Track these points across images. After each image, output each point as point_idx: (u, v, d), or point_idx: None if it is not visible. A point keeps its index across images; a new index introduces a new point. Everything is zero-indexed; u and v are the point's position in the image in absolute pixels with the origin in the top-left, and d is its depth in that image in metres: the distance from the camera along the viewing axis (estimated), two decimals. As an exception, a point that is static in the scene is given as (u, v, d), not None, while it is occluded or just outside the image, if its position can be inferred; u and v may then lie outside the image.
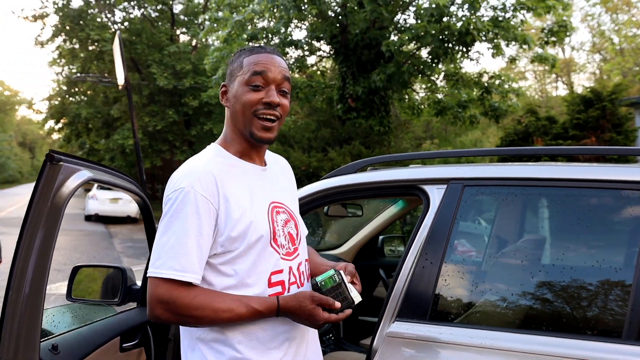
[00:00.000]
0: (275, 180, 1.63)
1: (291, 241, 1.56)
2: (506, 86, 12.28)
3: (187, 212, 1.35)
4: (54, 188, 1.22)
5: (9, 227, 15.89)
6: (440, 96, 14.04)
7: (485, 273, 1.95)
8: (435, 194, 2.04)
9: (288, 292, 1.49)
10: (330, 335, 3.11)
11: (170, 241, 1.34)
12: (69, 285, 2.14)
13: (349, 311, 1.48)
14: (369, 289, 3.80)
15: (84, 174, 1.31)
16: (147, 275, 1.36)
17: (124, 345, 1.91)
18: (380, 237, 3.97)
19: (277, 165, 1.72)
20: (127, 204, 17.84)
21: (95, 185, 19.94)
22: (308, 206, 2.34)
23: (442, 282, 1.89)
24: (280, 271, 1.48)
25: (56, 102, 25.31)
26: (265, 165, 1.61)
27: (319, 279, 1.48)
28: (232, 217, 1.40)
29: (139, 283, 2.20)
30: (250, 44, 11.89)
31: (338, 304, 1.44)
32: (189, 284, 1.34)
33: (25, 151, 74.36)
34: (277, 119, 1.49)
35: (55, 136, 32.74)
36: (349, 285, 1.50)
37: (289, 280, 1.51)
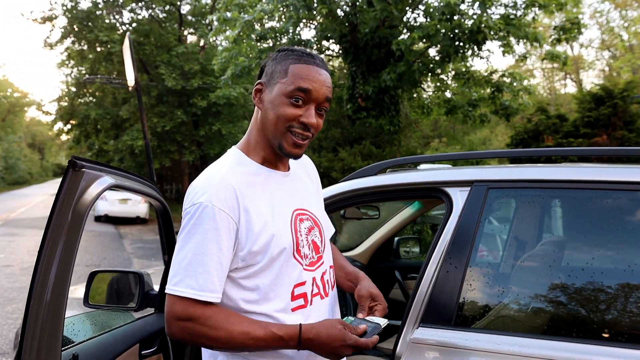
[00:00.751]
0: (299, 185, 1.57)
1: (315, 250, 1.50)
2: (516, 84, 12.16)
3: (206, 227, 1.30)
4: (77, 195, 1.19)
5: (19, 228, 15.99)
6: (449, 95, 13.97)
7: (511, 277, 1.90)
8: (459, 197, 2.00)
9: (310, 304, 1.44)
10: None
11: (188, 258, 1.29)
12: (86, 291, 2.11)
13: (375, 338, 1.44)
14: (385, 290, 3.77)
15: (106, 180, 1.27)
16: (166, 291, 1.31)
17: (142, 352, 1.88)
18: (396, 239, 3.93)
19: (300, 167, 1.65)
20: (136, 205, 17.96)
21: (105, 186, 20.06)
22: (328, 209, 2.30)
23: (467, 287, 1.85)
24: (303, 283, 1.43)
25: (65, 104, 25.41)
26: (289, 169, 1.55)
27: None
28: (253, 230, 1.34)
29: (156, 288, 2.18)
30: (259, 44, 11.85)
31: (371, 342, 1.40)
32: (206, 303, 1.30)
33: (35, 152, 74.81)
34: (309, 138, 1.43)
35: (64, 137, 32.83)
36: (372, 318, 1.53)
37: (311, 292, 1.46)
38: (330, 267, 1.58)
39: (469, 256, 1.86)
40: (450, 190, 2.03)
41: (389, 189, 2.18)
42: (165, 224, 1.93)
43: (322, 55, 13.98)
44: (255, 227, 1.34)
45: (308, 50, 1.47)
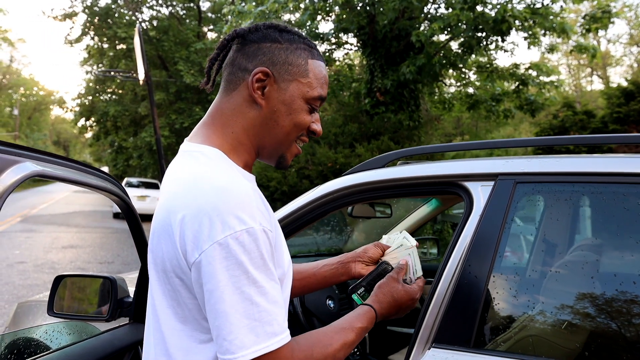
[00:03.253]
0: None
1: None
2: (543, 78, 11.68)
3: (265, 257, 0.98)
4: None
5: (38, 224, 16.05)
6: (471, 90, 13.54)
7: (544, 289, 1.58)
8: (480, 192, 1.69)
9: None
10: (355, 350, 2.77)
11: (261, 304, 0.96)
12: (51, 298, 1.86)
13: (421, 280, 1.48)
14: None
15: (25, 167, 0.99)
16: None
17: (107, 373, 1.61)
18: (411, 240, 3.60)
19: None
20: (154, 202, 18.17)
21: (124, 182, 20.21)
22: (328, 206, 2.01)
23: (490, 300, 1.54)
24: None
25: (86, 101, 25.57)
26: None
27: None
28: (280, 245, 1.12)
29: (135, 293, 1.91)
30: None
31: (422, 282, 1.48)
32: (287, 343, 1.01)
33: (60, 150, 75.98)
34: None
35: (88, 135, 33.15)
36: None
37: None
38: None
39: (493, 263, 1.55)
40: (470, 185, 1.73)
41: (399, 184, 1.88)
42: (131, 221, 1.66)
43: (340, 50, 13.71)
44: (280, 241, 1.12)
45: (308, 38, 1.20)
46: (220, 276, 0.94)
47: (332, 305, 2.51)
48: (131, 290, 1.92)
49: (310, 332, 1.11)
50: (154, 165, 22.04)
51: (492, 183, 1.67)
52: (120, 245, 12.60)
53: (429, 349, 1.52)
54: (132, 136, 24.43)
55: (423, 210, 3.36)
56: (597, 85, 34.18)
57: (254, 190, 1.04)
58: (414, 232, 3.48)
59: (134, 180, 20.80)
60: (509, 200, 1.61)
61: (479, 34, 9.64)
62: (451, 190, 1.80)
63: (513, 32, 9.65)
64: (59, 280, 1.88)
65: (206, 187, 0.98)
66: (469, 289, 1.55)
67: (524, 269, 1.59)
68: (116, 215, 18.71)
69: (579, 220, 1.70)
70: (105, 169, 77.82)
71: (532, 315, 1.54)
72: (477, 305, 1.52)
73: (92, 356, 1.53)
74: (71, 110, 26.64)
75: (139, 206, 18.24)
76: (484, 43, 10.23)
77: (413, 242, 1.54)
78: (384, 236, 1.66)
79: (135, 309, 1.88)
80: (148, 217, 18.31)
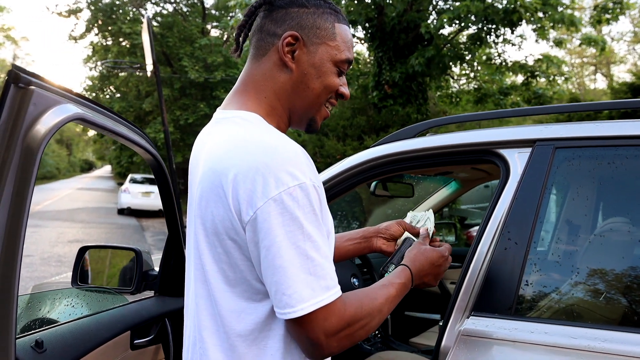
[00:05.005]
0: None
1: None
2: (552, 70, 11.58)
3: (317, 212, 0.98)
4: (23, 124, 0.87)
5: (44, 219, 16.03)
6: (475, 85, 13.44)
7: (586, 257, 1.53)
8: (517, 160, 1.65)
9: None
10: (377, 332, 2.73)
11: (316, 259, 0.96)
12: (74, 269, 1.82)
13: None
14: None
15: (67, 109, 0.95)
16: (304, 312, 0.94)
17: (135, 342, 1.57)
18: (429, 224, 3.55)
19: None
20: (158, 198, 17.97)
21: (128, 179, 20.17)
22: (359, 177, 1.96)
23: (530, 267, 1.50)
24: None
25: (90, 98, 25.53)
26: None
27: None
28: (325, 203, 1.07)
29: (157, 268, 1.87)
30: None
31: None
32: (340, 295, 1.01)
33: (63, 148, 76.01)
34: None
35: (90, 133, 33.17)
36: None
37: None
38: None
39: (533, 231, 1.51)
40: (506, 152, 1.68)
41: (431, 153, 1.83)
42: (161, 182, 1.61)
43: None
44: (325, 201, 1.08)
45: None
46: (277, 231, 0.94)
47: (357, 283, 2.48)
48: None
49: (354, 290, 1.10)
50: (167, 158, 21.99)
51: (529, 149, 1.63)
52: (126, 240, 12.58)
53: (467, 317, 1.48)
54: (136, 132, 24.37)
55: (442, 193, 3.31)
56: (601, 83, 34.07)
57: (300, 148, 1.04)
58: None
59: (138, 176, 20.76)
60: (548, 167, 1.57)
61: (489, 26, 9.57)
62: (486, 159, 1.75)
63: (521, 25, 9.58)
64: (83, 251, 1.84)
65: (255, 146, 0.98)
66: (508, 256, 1.50)
67: (565, 237, 1.55)
68: (121, 212, 18.69)
69: (623, 186, 1.65)
70: (108, 167, 77.82)
71: (575, 282, 1.50)
72: (517, 273, 1.47)
73: (121, 324, 1.49)
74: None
75: (143, 202, 18.23)
76: (494, 35, 10.15)
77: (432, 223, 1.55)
78: (409, 213, 1.63)
79: (160, 282, 1.84)
80: (152, 214, 18.37)
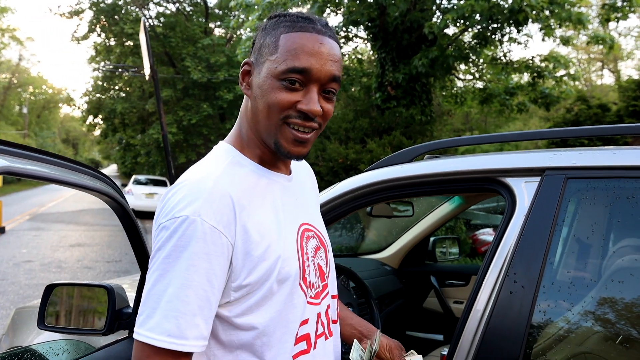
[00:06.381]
0: (302, 192, 1.25)
1: (320, 276, 1.19)
2: (559, 70, 11.34)
3: (192, 251, 0.95)
4: None
5: (46, 222, 15.98)
6: (481, 84, 13.23)
7: (602, 300, 1.37)
8: (524, 190, 1.48)
9: (314, 348, 1.13)
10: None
11: (168, 293, 0.94)
12: (41, 309, 1.67)
13: None
14: (419, 299, 3.26)
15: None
16: (134, 336, 0.95)
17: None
18: (432, 239, 3.40)
19: (302, 170, 1.31)
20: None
21: (132, 180, 20.11)
22: (349, 205, 1.81)
23: (540, 315, 1.33)
24: (306, 321, 1.12)
25: (93, 98, 25.48)
26: (290, 173, 1.21)
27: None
28: (252, 254, 1.01)
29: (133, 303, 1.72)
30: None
31: None
32: (187, 354, 0.96)
33: (69, 147, 76.28)
34: (315, 129, 1.09)
35: (96, 132, 33.20)
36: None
37: (315, 332, 1.14)
38: (333, 296, 1.26)
39: (542, 271, 1.35)
40: (511, 181, 1.52)
41: (429, 180, 1.67)
42: (127, 224, 1.46)
43: (350, 42, 13.45)
44: (256, 250, 1.01)
45: (307, 13, 1.10)
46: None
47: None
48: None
49: None
50: (162, 162, 21.95)
51: (538, 179, 1.47)
52: (129, 243, 12.45)
53: (468, 370, 1.32)
54: (139, 133, 24.32)
55: (445, 208, 3.16)
56: (608, 79, 33.73)
57: (229, 187, 1.02)
58: (435, 230, 3.28)
59: (142, 177, 20.71)
60: (559, 199, 1.40)
61: (494, 25, 9.36)
62: (489, 187, 1.59)
63: (527, 24, 9.37)
64: (50, 289, 1.69)
65: (183, 176, 1.05)
66: (514, 301, 1.34)
67: (579, 280, 1.39)
68: (124, 213, 18.59)
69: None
70: (114, 166, 78.03)
71: (590, 333, 1.33)
72: (525, 323, 1.31)
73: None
74: (79, 108, 26.59)
75: (147, 204, 18.20)
76: (499, 34, 9.94)
77: None
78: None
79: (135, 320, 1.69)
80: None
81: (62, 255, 10.21)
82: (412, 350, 1.44)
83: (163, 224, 0.97)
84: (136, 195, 18.23)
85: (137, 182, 19.77)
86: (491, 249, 1.46)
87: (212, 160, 1.10)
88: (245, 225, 1.01)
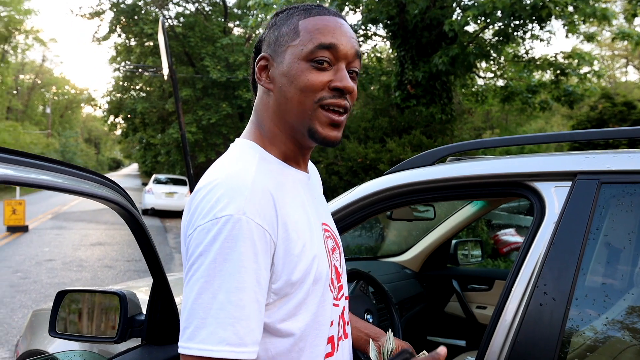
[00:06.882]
0: (317, 192, 1.24)
1: (337, 276, 1.16)
2: (586, 68, 11.08)
3: (241, 251, 0.89)
4: None
5: (69, 221, 16.18)
6: (502, 82, 13.00)
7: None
8: (554, 195, 1.40)
9: (337, 350, 1.11)
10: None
11: (219, 299, 0.88)
12: (52, 316, 1.64)
13: None
14: (440, 304, 3.18)
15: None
16: (183, 352, 0.89)
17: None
18: (453, 242, 3.31)
19: (313, 171, 1.28)
20: (182, 198, 18.24)
21: (152, 179, 20.27)
22: (368, 210, 1.74)
23: (572, 330, 1.25)
24: (332, 323, 1.10)
25: (114, 98, 25.76)
26: (309, 172, 1.20)
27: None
28: (292, 253, 0.98)
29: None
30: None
31: None
32: None
33: (91, 147, 77.32)
34: (346, 111, 1.06)
35: (117, 132, 33.58)
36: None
37: (337, 333, 1.13)
38: (346, 298, 1.23)
39: (574, 282, 1.26)
40: (540, 186, 1.44)
41: (452, 184, 1.59)
42: (134, 228, 1.41)
43: (369, 41, 13.32)
44: (295, 249, 0.98)
45: (317, 3, 1.12)
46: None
47: (370, 320, 2.25)
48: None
49: None
50: (181, 161, 22.08)
51: (569, 183, 1.38)
52: (148, 242, 12.54)
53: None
54: (159, 133, 24.52)
55: (467, 210, 3.06)
56: (632, 76, 33.07)
57: (267, 183, 0.99)
58: (457, 233, 3.19)
59: (162, 176, 20.88)
60: (592, 205, 1.32)
61: (516, 22, 9.17)
62: (516, 192, 1.51)
63: (550, 21, 9.17)
64: (61, 296, 1.65)
65: (213, 173, 1.00)
66: (544, 315, 1.26)
67: (615, 292, 1.30)
68: (144, 212, 18.79)
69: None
70: (135, 165, 78.88)
71: (625, 346, 1.25)
72: (555, 337, 1.23)
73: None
74: (100, 108, 26.89)
75: (167, 203, 18.40)
76: (521, 31, 9.74)
77: None
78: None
79: (148, 328, 1.65)
80: (176, 214, 18.41)
81: (83, 254, 10.31)
82: (424, 351, 1.38)
83: (202, 226, 0.91)
84: (156, 195, 18.47)
85: (158, 182, 19.94)
86: (519, 257, 1.38)
87: (239, 156, 1.05)
88: (286, 222, 0.98)
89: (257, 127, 1.11)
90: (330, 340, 1.09)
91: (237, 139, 1.14)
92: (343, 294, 1.18)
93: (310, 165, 1.29)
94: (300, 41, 1.02)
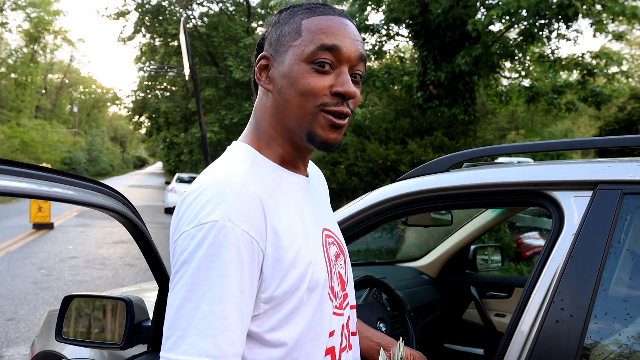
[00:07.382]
0: (319, 196, 1.19)
1: (341, 284, 1.11)
2: (615, 68, 10.80)
3: (225, 259, 0.87)
4: None
5: (93, 219, 16.43)
6: (527, 82, 12.76)
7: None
8: (573, 205, 1.34)
9: None
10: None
11: (201, 309, 0.86)
12: (59, 321, 1.63)
13: None
14: (458, 311, 3.10)
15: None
16: None
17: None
18: (472, 247, 3.23)
19: (314, 173, 1.24)
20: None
21: (175, 178, 20.47)
22: (381, 217, 1.69)
23: (590, 350, 1.19)
24: (332, 333, 1.05)
25: (139, 98, 26.12)
26: (308, 175, 1.16)
27: None
28: (283, 261, 0.94)
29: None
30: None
31: None
32: None
33: (117, 145, 78.52)
34: (348, 116, 1.02)
35: (142, 131, 34.05)
36: None
37: (340, 344, 1.08)
38: (352, 307, 1.18)
39: (594, 299, 1.20)
40: (559, 195, 1.38)
41: (467, 192, 1.54)
42: (135, 234, 1.38)
43: (391, 42, 13.20)
44: (287, 256, 0.95)
45: (322, 2, 1.07)
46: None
47: (383, 329, 2.20)
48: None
49: None
50: (204, 161, 22.28)
51: (589, 193, 1.32)
52: (169, 241, 12.65)
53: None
54: (183, 132, 24.77)
55: (487, 216, 2.99)
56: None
57: (256, 188, 0.95)
58: (476, 238, 3.12)
59: (185, 175, 21.12)
60: (614, 217, 1.25)
61: (541, 21, 8.98)
62: (533, 201, 1.45)
63: (577, 20, 8.97)
64: (68, 301, 1.64)
65: (203, 177, 0.99)
66: (561, 332, 1.20)
67: (638, 309, 1.23)
68: (167, 211, 19.00)
69: None
70: (160, 163, 79.82)
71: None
72: (573, 355, 1.17)
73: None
74: (125, 107, 27.28)
75: (190, 201, 18.52)
76: (546, 31, 9.54)
77: None
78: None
79: (154, 335, 1.63)
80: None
81: (105, 252, 10.44)
82: None
83: (187, 232, 0.89)
84: (179, 193, 18.74)
85: (181, 180, 20.16)
86: (535, 268, 1.33)
87: (231, 159, 1.02)
88: (276, 228, 0.94)
89: (255, 129, 1.09)
90: (330, 351, 1.05)
91: (234, 142, 1.11)
92: (348, 303, 1.14)
93: (314, 169, 1.26)
94: (301, 41, 0.99)
